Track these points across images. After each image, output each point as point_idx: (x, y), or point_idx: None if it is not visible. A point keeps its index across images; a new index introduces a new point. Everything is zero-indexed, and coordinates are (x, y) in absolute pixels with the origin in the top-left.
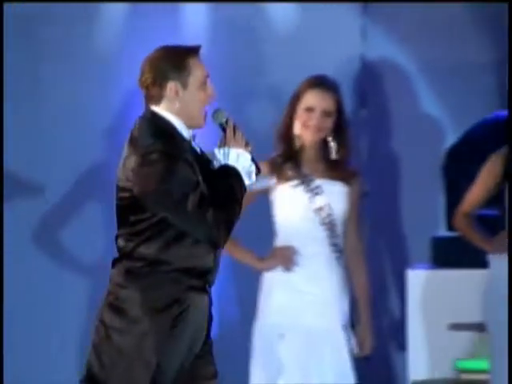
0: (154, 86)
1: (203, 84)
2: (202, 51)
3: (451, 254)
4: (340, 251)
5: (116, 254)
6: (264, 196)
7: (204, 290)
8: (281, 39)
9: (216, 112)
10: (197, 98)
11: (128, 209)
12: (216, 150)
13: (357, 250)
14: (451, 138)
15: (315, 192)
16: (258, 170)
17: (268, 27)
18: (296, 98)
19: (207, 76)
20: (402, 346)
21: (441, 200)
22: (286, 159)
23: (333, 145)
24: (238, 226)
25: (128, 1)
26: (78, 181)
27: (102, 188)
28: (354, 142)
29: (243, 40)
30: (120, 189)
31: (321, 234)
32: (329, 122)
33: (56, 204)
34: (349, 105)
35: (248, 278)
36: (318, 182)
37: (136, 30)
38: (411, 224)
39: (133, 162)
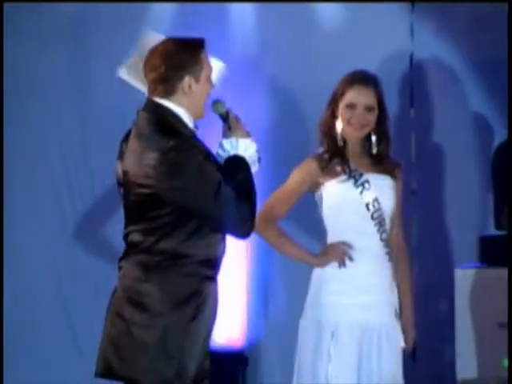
0: (168, 80)
1: (210, 77)
2: (252, 51)
3: (499, 252)
4: (389, 246)
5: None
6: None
7: (216, 279)
8: (330, 39)
9: (216, 103)
10: (205, 91)
11: (147, 204)
12: (224, 141)
13: (401, 245)
14: (500, 137)
15: (365, 186)
16: (259, 159)
17: (317, 26)
18: (337, 95)
19: (211, 69)
20: (450, 345)
21: (489, 198)
22: (333, 155)
23: (374, 139)
24: (289, 223)
25: (176, 0)
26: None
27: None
28: (402, 141)
29: (291, 39)
30: (137, 185)
31: (371, 228)
32: (371, 117)
33: (99, 200)
34: (397, 103)
35: (296, 273)
36: (366, 176)
37: (184, 29)
38: (459, 222)
39: (152, 159)
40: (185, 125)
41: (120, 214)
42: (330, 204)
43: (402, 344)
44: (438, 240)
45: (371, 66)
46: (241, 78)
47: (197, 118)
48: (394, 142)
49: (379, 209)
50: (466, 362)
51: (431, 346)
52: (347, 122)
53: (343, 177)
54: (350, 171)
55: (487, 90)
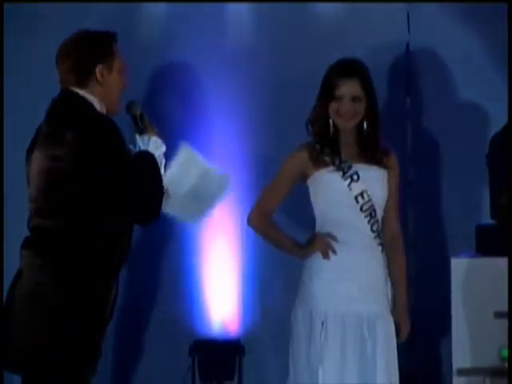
0: (81, 69)
1: (123, 70)
2: (249, 42)
3: (495, 241)
4: (380, 237)
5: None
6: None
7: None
8: (326, 29)
9: (131, 104)
10: (118, 84)
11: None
12: (138, 137)
13: (395, 234)
14: (496, 127)
15: (353, 178)
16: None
17: (313, 17)
18: (324, 86)
19: (124, 62)
20: (446, 334)
21: (485, 188)
22: (324, 145)
23: (365, 126)
24: (279, 214)
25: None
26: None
27: None
28: (397, 130)
29: (287, 29)
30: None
31: (361, 220)
32: (359, 108)
33: None
34: (393, 93)
35: (290, 259)
36: (356, 167)
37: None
38: (455, 212)
39: (69, 140)
40: (99, 112)
41: None
42: (318, 195)
43: (395, 335)
44: (435, 230)
45: (367, 56)
46: (237, 71)
47: (110, 112)
48: (389, 132)
49: (369, 201)
50: (462, 351)
51: (427, 335)
52: (336, 113)
53: (331, 168)
54: (340, 163)
55: (483, 79)
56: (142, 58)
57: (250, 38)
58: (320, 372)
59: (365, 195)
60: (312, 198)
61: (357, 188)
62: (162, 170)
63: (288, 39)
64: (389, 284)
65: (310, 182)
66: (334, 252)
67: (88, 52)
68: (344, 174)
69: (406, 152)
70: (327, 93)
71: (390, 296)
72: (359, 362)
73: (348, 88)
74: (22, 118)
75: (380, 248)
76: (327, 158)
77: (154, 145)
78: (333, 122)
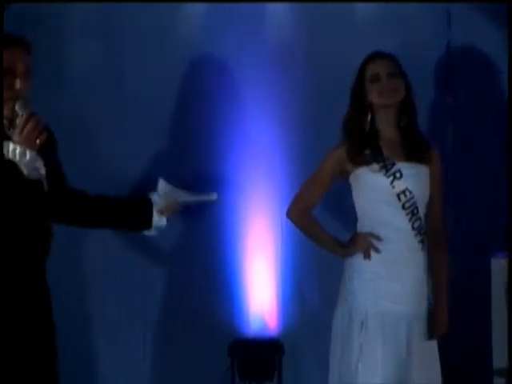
0: None
1: (5, 75)
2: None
3: None
4: (422, 235)
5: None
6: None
7: None
8: (365, 27)
9: (18, 101)
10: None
11: None
12: (5, 144)
13: (438, 232)
14: None
15: (396, 176)
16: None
17: (352, 14)
18: (359, 74)
19: (11, 68)
20: (486, 334)
21: None
22: (364, 143)
23: (404, 118)
24: (319, 212)
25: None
26: (155, 167)
27: (176, 174)
28: (438, 129)
29: (326, 27)
30: None
31: (403, 218)
32: (399, 82)
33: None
34: (434, 92)
35: (331, 258)
36: (398, 165)
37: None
38: (495, 212)
39: None
40: None
41: None
42: (360, 192)
43: (432, 335)
44: (475, 230)
45: (408, 54)
46: (275, 70)
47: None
48: (430, 131)
49: (411, 198)
50: (502, 350)
51: (467, 334)
52: (378, 95)
53: (374, 166)
54: (382, 160)
55: None
56: (180, 57)
57: (288, 36)
58: (359, 372)
59: (407, 193)
60: (354, 196)
61: (399, 186)
62: (30, 172)
63: (326, 38)
64: (429, 283)
65: (351, 179)
66: (377, 251)
67: None
68: (387, 171)
69: (447, 150)
70: (362, 79)
71: (430, 296)
72: (398, 362)
73: (383, 65)
74: None
75: (421, 246)
76: (369, 156)
77: (19, 152)
78: (371, 120)
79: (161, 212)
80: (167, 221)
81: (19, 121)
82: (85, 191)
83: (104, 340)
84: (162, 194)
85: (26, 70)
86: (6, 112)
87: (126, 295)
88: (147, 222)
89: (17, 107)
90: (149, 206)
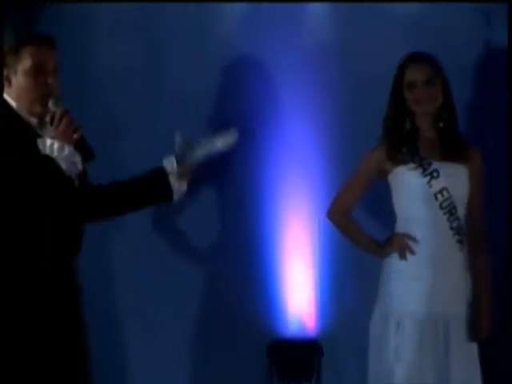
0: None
1: (35, 73)
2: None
3: None
4: (461, 235)
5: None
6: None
7: None
8: (404, 27)
9: (52, 99)
10: (25, 85)
11: None
12: (40, 141)
13: (478, 234)
14: None
15: (433, 175)
16: (90, 154)
17: (391, 16)
18: (396, 78)
19: (42, 66)
20: None
21: None
22: (401, 144)
23: (442, 118)
24: (359, 212)
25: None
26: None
27: (216, 173)
28: (476, 131)
29: (365, 29)
30: None
31: (440, 217)
32: (435, 90)
33: None
34: (472, 92)
35: (368, 258)
36: (436, 165)
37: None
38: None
39: None
40: (13, 118)
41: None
42: (398, 192)
43: (473, 338)
44: None
45: (446, 54)
46: (314, 70)
47: (30, 111)
48: (468, 132)
49: (448, 198)
50: None
51: (507, 336)
52: (414, 102)
53: (412, 165)
54: (420, 160)
55: None
56: (219, 56)
57: (327, 36)
58: (396, 373)
59: (445, 192)
60: (393, 196)
61: (437, 185)
62: (73, 169)
63: (364, 38)
64: (468, 284)
65: (390, 179)
66: (412, 253)
67: (1, 55)
68: (424, 170)
69: (484, 152)
70: (400, 83)
71: (469, 296)
72: (435, 364)
73: (420, 71)
74: None
75: (459, 246)
76: (406, 155)
77: (56, 148)
78: (410, 117)
79: (180, 176)
80: (188, 184)
81: (48, 118)
82: (100, 184)
83: (139, 340)
84: (179, 153)
85: (55, 67)
86: (36, 109)
87: (162, 295)
88: (168, 193)
89: (50, 104)
90: (165, 175)
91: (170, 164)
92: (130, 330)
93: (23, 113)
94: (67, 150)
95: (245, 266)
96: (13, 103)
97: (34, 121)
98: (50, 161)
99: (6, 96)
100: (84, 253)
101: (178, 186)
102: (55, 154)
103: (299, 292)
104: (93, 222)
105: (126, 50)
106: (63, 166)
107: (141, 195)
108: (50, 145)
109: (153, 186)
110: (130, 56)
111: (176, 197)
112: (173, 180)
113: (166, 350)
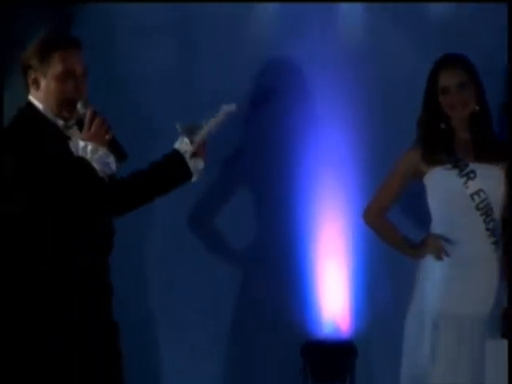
0: (23, 73)
1: (65, 77)
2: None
3: None
4: (496, 236)
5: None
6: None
7: None
8: (436, 32)
9: (81, 102)
10: (53, 89)
11: None
12: (72, 143)
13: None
14: None
15: (469, 176)
16: (122, 155)
17: (425, 20)
18: (430, 81)
19: (72, 70)
20: None
21: None
22: (438, 143)
23: (477, 120)
24: (391, 213)
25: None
26: (227, 168)
27: (252, 175)
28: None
29: (399, 34)
30: None
31: (476, 218)
32: (468, 94)
33: (207, 192)
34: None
35: (402, 258)
36: (472, 166)
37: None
38: None
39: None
40: (43, 121)
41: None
42: (434, 193)
43: (506, 335)
44: None
45: (478, 55)
46: (348, 71)
47: (58, 114)
48: (501, 133)
49: (485, 199)
50: None
51: None
52: (448, 107)
53: (448, 166)
54: (456, 160)
55: None
56: (252, 57)
57: (361, 36)
58: (432, 373)
59: (481, 194)
60: (428, 197)
61: (473, 186)
62: (107, 170)
63: (399, 39)
64: (503, 285)
65: (425, 180)
66: (447, 255)
67: (26, 57)
68: (460, 171)
69: None
70: (434, 87)
71: (504, 296)
72: (471, 364)
73: (453, 75)
74: None
75: (494, 247)
76: (443, 157)
77: (89, 150)
78: (445, 119)
79: (194, 155)
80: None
81: (74, 120)
82: (121, 176)
83: (172, 340)
84: (185, 135)
85: (84, 70)
86: (64, 113)
87: (196, 295)
88: (187, 172)
89: (79, 106)
90: (180, 156)
91: (184, 144)
92: (164, 330)
93: (50, 115)
94: (100, 151)
95: (279, 267)
96: (39, 105)
97: (60, 123)
98: (83, 162)
99: (31, 98)
100: (118, 252)
101: (194, 164)
102: (89, 155)
103: (333, 293)
104: (122, 214)
105: (159, 50)
106: (97, 167)
107: (161, 179)
108: (83, 147)
109: (171, 168)
110: (162, 56)
111: (195, 175)
112: (188, 159)
113: (200, 351)
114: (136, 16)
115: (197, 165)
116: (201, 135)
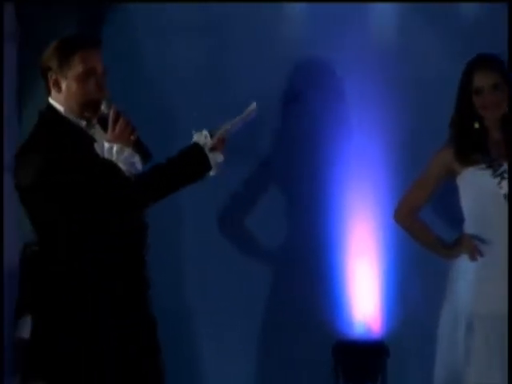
0: (42, 76)
1: (86, 77)
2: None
3: None
4: None
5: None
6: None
7: None
8: (469, 34)
9: (104, 102)
10: (75, 90)
11: None
12: (97, 144)
13: None
14: None
15: (503, 176)
16: (147, 155)
17: (457, 22)
18: (463, 81)
19: (93, 69)
20: None
21: None
22: (472, 143)
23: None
24: (423, 212)
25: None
26: (259, 168)
27: (283, 176)
28: None
29: (432, 36)
30: None
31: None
32: (502, 95)
33: (239, 192)
34: None
35: (433, 258)
36: (506, 166)
37: (317, 29)
38: None
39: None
40: (66, 122)
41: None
42: (467, 193)
43: None
44: None
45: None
46: (380, 71)
47: (80, 115)
48: None
49: None
50: None
51: None
52: (481, 107)
53: (481, 166)
54: (490, 160)
55: None
56: (282, 57)
57: (393, 38)
58: (467, 374)
59: None
60: (461, 196)
61: (507, 186)
62: (132, 169)
63: (430, 40)
64: None
65: (458, 180)
66: (481, 255)
67: (45, 59)
68: (494, 171)
69: None
70: (467, 87)
71: None
72: (504, 363)
73: (487, 76)
74: None
75: None
76: (477, 157)
77: (115, 151)
78: (478, 119)
79: (214, 149)
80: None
81: (95, 120)
82: (143, 172)
83: (204, 340)
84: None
85: (104, 69)
86: (88, 113)
87: (229, 295)
88: (206, 165)
89: (103, 106)
90: (199, 148)
91: (203, 137)
92: (196, 330)
93: (71, 116)
94: (126, 151)
95: (311, 267)
96: (60, 107)
97: (82, 123)
98: (110, 164)
99: (51, 100)
100: (153, 252)
101: (213, 157)
102: (114, 156)
103: (365, 293)
104: (143, 208)
105: (187, 50)
106: (123, 167)
107: (180, 171)
108: (109, 148)
109: (190, 161)
110: (193, 56)
111: (213, 168)
112: (208, 152)
113: (232, 351)
114: (164, 16)
115: (216, 158)
116: (221, 130)
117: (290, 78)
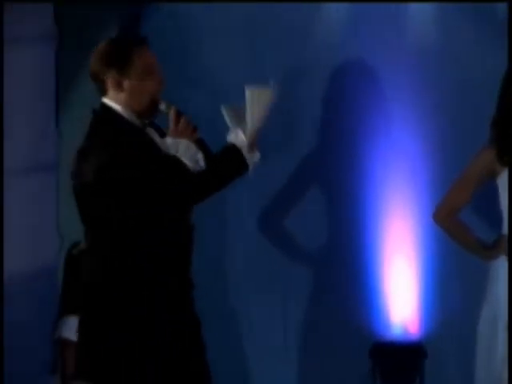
0: (98, 78)
1: (148, 73)
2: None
3: None
4: None
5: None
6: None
7: None
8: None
9: (163, 103)
10: (140, 88)
11: None
12: (159, 141)
13: None
14: None
15: None
16: (208, 152)
17: (493, 21)
18: (506, 83)
19: (152, 65)
20: None
21: None
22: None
23: None
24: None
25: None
26: (298, 168)
27: (322, 176)
28: None
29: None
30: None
31: None
32: None
33: (278, 193)
34: None
35: (472, 262)
36: None
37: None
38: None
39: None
40: (123, 120)
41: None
42: (506, 194)
43: None
44: None
45: None
46: (417, 72)
47: (141, 115)
48: None
49: None
50: None
51: None
52: None
53: None
54: None
55: None
56: (318, 58)
57: (432, 38)
58: (507, 377)
59: None
60: (501, 197)
61: None
62: (196, 166)
63: (470, 39)
64: None
65: (499, 180)
66: None
67: (100, 62)
68: None
69: None
70: (509, 87)
71: None
72: None
73: None
74: None
75: None
76: None
77: (183, 148)
78: None
79: (251, 148)
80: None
81: (149, 120)
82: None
83: (243, 342)
84: (234, 123)
85: (160, 67)
86: (149, 111)
87: (266, 295)
88: (244, 166)
89: (162, 107)
90: (236, 149)
91: (240, 140)
92: (235, 331)
93: (127, 115)
94: (193, 148)
95: (348, 268)
96: (117, 106)
97: (137, 122)
98: (177, 160)
99: (106, 100)
100: (196, 252)
101: (250, 157)
102: (180, 153)
103: (403, 294)
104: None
105: (227, 50)
106: (189, 164)
107: (221, 174)
108: (174, 143)
109: (230, 164)
110: (230, 57)
111: (251, 167)
112: (244, 152)
113: (273, 352)
114: (204, 16)
115: (253, 158)
116: (252, 129)
117: (329, 79)
